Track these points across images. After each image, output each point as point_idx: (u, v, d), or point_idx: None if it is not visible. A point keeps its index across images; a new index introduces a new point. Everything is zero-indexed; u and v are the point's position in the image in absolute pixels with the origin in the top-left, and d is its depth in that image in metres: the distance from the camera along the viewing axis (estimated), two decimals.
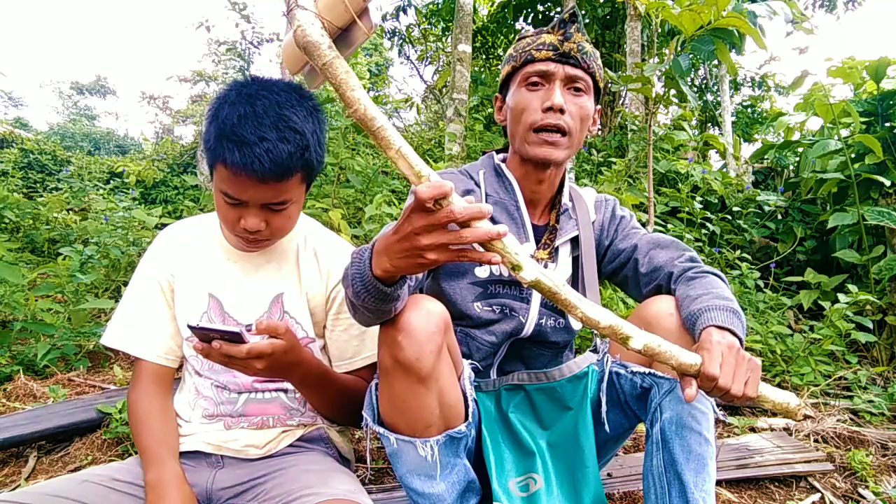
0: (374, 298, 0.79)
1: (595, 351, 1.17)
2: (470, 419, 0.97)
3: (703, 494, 0.91)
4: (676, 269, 1.05)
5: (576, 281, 1.16)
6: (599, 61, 1.11)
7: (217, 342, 0.83)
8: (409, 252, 0.72)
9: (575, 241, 1.17)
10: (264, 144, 0.87)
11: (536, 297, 1.12)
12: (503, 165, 1.17)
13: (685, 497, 0.91)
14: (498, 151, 1.24)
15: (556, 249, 1.15)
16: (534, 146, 1.06)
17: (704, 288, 0.96)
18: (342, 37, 0.73)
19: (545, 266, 1.13)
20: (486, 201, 1.13)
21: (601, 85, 1.11)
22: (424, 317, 0.86)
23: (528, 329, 1.11)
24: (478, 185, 1.15)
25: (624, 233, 1.19)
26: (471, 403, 0.98)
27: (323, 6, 0.70)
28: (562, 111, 1.03)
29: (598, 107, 1.16)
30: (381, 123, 0.69)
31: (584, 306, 0.77)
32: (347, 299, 0.88)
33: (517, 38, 1.14)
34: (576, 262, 1.17)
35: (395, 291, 0.80)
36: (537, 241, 1.15)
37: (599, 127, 1.27)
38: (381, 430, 0.93)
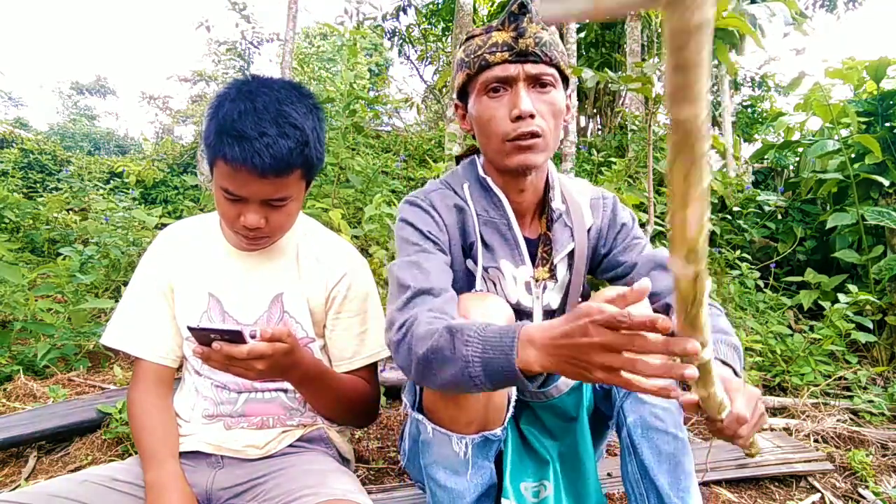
0: (496, 385, 0.75)
1: None
2: (505, 424, 0.96)
3: (682, 494, 0.91)
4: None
5: (566, 294, 1.11)
6: (561, 46, 1.00)
7: (217, 343, 0.83)
8: (575, 362, 0.66)
9: (571, 252, 1.11)
10: (264, 139, 0.88)
11: (538, 319, 1.07)
12: (489, 179, 1.06)
13: (663, 502, 0.91)
14: (477, 152, 1.14)
15: (555, 266, 1.08)
16: (511, 156, 0.97)
17: None
18: None
19: (544, 288, 1.07)
20: (478, 221, 1.05)
21: (567, 72, 1.01)
22: (494, 312, 0.86)
23: None
24: (465, 202, 1.06)
25: (624, 243, 1.12)
26: (511, 409, 0.97)
27: None
28: (532, 116, 0.94)
29: (569, 92, 1.05)
30: None
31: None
32: (433, 364, 0.79)
33: (465, 38, 1.02)
34: (569, 270, 1.12)
35: (535, 383, 0.75)
36: (532, 258, 1.07)
37: (574, 114, 1.16)
38: (420, 416, 0.93)
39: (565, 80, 1.01)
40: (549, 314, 1.10)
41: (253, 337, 0.86)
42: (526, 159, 0.96)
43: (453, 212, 1.04)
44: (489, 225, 1.05)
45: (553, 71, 0.97)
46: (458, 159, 1.18)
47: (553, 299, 1.09)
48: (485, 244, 1.04)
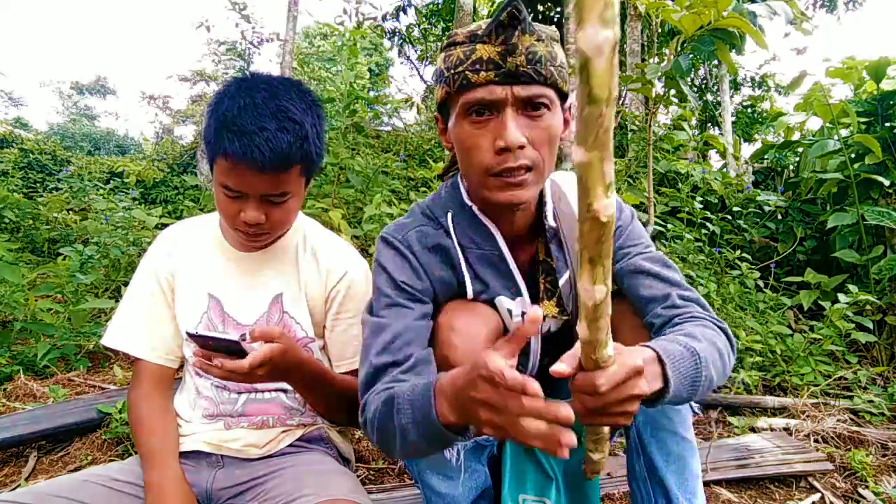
0: (439, 446, 0.74)
1: None
2: None
3: (688, 496, 0.90)
4: (662, 317, 0.91)
5: (566, 317, 0.99)
6: (560, 57, 0.84)
7: (218, 360, 0.85)
8: (469, 415, 0.65)
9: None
10: (264, 134, 0.88)
11: (536, 345, 1.03)
12: (475, 207, 0.95)
13: (671, 502, 0.90)
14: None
15: (563, 297, 0.97)
16: (495, 191, 0.85)
17: (683, 331, 0.86)
18: None
19: (544, 318, 0.96)
20: (464, 254, 0.95)
21: (566, 89, 0.86)
22: (480, 321, 0.85)
23: (533, 372, 1.05)
24: (448, 233, 0.95)
25: (621, 252, 0.99)
26: None
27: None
28: (522, 147, 0.81)
29: (567, 105, 0.90)
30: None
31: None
32: (387, 441, 0.79)
33: (446, 42, 0.87)
34: (573, 294, 1.02)
35: (467, 436, 0.72)
36: (531, 288, 0.97)
37: (572, 129, 0.88)
38: None
39: (563, 95, 0.88)
40: (550, 339, 1.04)
41: (243, 338, 0.87)
42: (514, 196, 0.84)
43: (433, 255, 0.95)
44: (479, 258, 0.96)
45: (548, 91, 0.83)
46: (441, 176, 1.10)
47: (552, 323, 1.00)
48: (478, 278, 0.96)
